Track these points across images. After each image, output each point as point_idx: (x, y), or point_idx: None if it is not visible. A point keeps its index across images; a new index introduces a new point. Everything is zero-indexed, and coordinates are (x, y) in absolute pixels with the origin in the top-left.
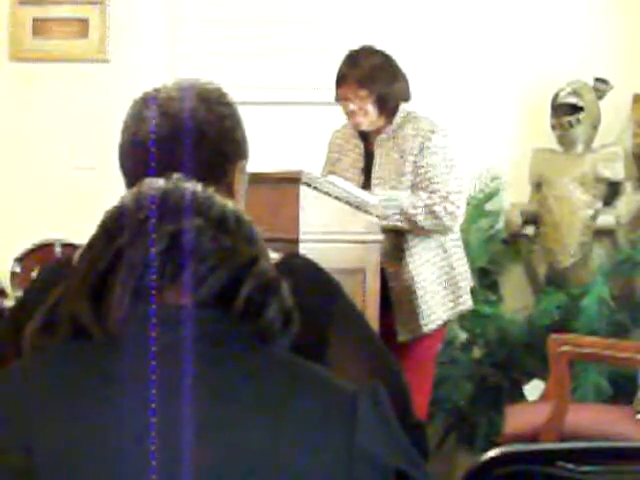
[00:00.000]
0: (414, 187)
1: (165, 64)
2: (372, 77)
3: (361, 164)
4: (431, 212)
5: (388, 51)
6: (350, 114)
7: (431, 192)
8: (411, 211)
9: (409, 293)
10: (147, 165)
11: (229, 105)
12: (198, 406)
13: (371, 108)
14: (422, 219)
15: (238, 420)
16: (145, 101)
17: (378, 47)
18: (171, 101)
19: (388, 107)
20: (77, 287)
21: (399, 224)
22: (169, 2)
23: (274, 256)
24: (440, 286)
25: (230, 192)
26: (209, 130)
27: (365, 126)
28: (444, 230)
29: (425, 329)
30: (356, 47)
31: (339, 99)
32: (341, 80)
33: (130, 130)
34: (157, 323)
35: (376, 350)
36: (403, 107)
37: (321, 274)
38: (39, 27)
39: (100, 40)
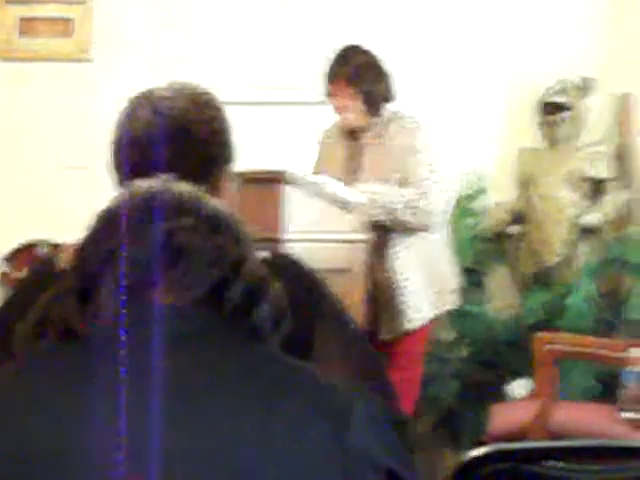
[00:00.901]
0: (398, 184)
1: (149, 64)
2: (359, 75)
3: (348, 163)
4: (411, 208)
5: (375, 50)
6: (339, 110)
7: (413, 189)
8: (392, 206)
9: (393, 292)
10: (137, 164)
11: (219, 108)
12: (188, 405)
13: (358, 105)
14: (402, 214)
15: (228, 418)
16: (138, 101)
17: (365, 47)
18: (163, 102)
19: (375, 105)
20: (67, 288)
21: (382, 218)
22: (154, 2)
23: (260, 255)
24: (424, 285)
25: (218, 194)
26: (199, 132)
27: (353, 123)
28: (425, 227)
29: (408, 327)
30: (344, 46)
31: (329, 95)
32: (331, 77)
33: (122, 129)
34: (148, 322)
35: (362, 348)
36: (389, 106)
37: (307, 273)
38: (25, 26)
39: (84, 40)
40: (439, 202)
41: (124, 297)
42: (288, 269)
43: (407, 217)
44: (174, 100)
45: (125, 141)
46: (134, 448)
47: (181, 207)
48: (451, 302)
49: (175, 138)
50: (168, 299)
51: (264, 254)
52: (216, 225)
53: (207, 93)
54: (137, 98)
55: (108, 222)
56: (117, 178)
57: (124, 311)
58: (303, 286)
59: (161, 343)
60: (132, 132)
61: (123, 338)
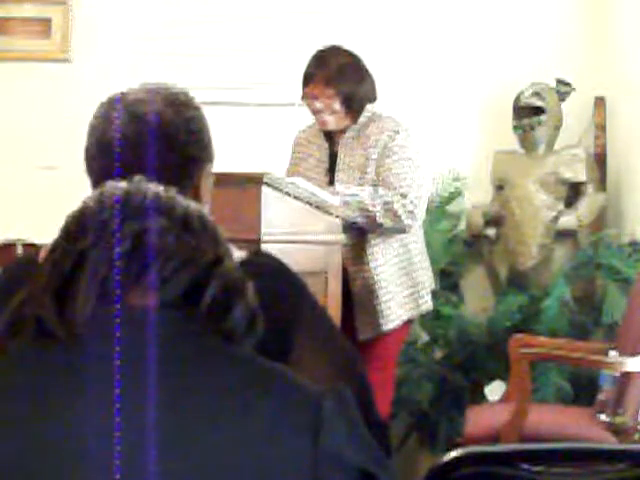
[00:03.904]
0: (376, 185)
1: (128, 64)
2: (340, 76)
3: (326, 164)
4: (389, 210)
5: (353, 51)
6: (317, 113)
7: (391, 190)
8: (370, 208)
9: (370, 292)
10: (114, 168)
11: (196, 108)
12: (162, 407)
13: (338, 107)
14: (380, 216)
15: (202, 421)
16: (112, 104)
17: (345, 47)
18: (139, 104)
19: (354, 107)
20: (41, 288)
21: (358, 220)
22: (132, 2)
23: (238, 254)
24: (400, 286)
25: (197, 195)
26: (177, 133)
27: (332, 125)
28: (402, 229)
29: (385, 328)
30: (323, 47)
31: (306, 98)
32: (309, 79)
33: (97, 132)
34: (122, 324)
35: (340, 349)
36: (368, 107)
37: (285, 273)
38: (2, 26)
39: (63, 40)
40: (417, 204)
41: (98, 298)
42: (266, 268)
43: (384, 219)
44: (150, 102)
45: (100, 146)
46: (129, 453)
47: (154, 208)
48: (427, 304)
49: (152, 141)
50: (142, 300)
51: (238, 253)
52: (190, 226)
53: (183, 93)
54: (110, 101)
55: (80, 222)
56: (93, 182)
57: (98, 313)
58: (281, 286)
59: (136, 345)
60: (108, 137)
61: (98, 341)
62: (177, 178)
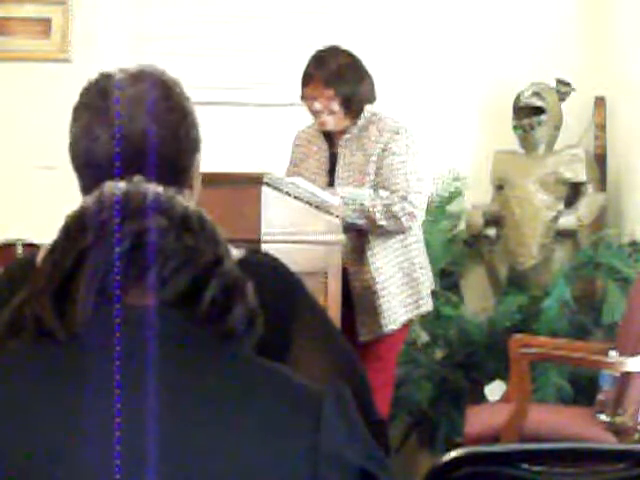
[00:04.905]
0: (376, 187)
1: (128, 64)
2: (339, 77)
3: (325, 165)
4: (389, 211)
5: (352, 52)
6: (316, 114)
7: (391, 192)
8: (370, 209)
9: (370, 293)
10: (107, 173)
11: (182, 109)
12: (162, 407)
13: (337, 108)
14: (380, 218)
15: (202, 421)
16: (93, 116)
17: (344, 47)
18: (123, 121)
19: (354, 107)
20: (41, 289)
21: (358, 222)
22: (132, 2)
23: (236, 253)
24: (401, 287)
25: (189, 194)
26: (166, 144)
27: (331, 126)
28: (402, 230)
29: (386, 329)
30: (322, 47)
31: (305, 98)
32: (308, 79)
33: (81, 147)
34: (122, 324)
35: (339, 348)
36: (368, 108)
37: (283, 271)
38: (3, 26)
39: (63, 40)
40: (417, 205)
41: (97, 298)
42: (263, 267)
43: (383, 220)
44: (134, 117)
45: (87, 161)
46: (129, 453)
47: (154, 208)
48: (427, 304)
49: (142, 156)
50: (142, 300)
51: (236, 252)
52: (190, 226)
53: (167, 98)
54: (90, 111)
55: (80, 222)
56: (84, 187)
57: (98, 313)
58: (279, 285)
59: (136, 345)
60: (93, 153)
61: (98, 341)
62: (172, 179)
